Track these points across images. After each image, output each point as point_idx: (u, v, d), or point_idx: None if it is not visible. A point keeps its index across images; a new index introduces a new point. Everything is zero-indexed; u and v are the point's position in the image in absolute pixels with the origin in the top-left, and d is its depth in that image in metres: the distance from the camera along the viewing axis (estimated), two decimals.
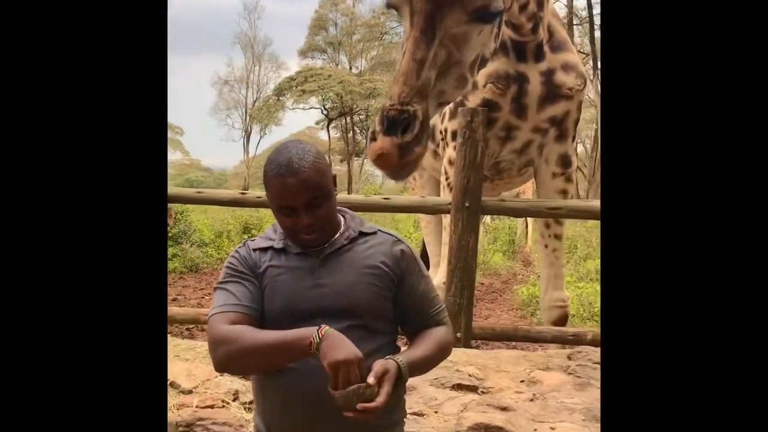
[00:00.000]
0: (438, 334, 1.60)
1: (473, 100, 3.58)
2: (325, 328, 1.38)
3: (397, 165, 1.49)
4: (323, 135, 40.03)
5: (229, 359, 1.45)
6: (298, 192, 1.47)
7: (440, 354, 1.59)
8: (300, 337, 1.39)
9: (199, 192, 4.02)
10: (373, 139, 1.52)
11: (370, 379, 1.34)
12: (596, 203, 3.70)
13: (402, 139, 1.53)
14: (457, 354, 3.05)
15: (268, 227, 1.65)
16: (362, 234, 1.60)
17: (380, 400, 1.33)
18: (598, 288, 7.65)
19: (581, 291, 7.61)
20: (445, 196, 3.91)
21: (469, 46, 2.00)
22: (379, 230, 1.64)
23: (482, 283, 9.54)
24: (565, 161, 3.82)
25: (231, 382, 2.59)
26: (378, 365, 1.38)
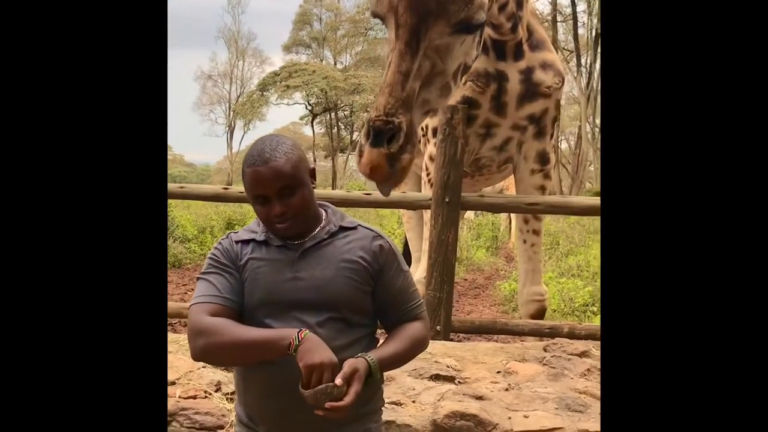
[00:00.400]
0: (413, 329, 1.64)
1: (453, 98, 3.64)
2: (305, 332, 1.43)
3: (388, 174, 1.54)
4: (307, 130, 40.01)
5: (208, 351, 1.49)
6: (269, 180, 1.51)
7: (414, 349, 1.63)
8: (280, 337, 1.44)
9: (181, 187, 4.04)
10: (360, 153, 1.56)
11: (338, 380, 1.39)
12: (574, 199, 3.78)
13: (388, 149, 1.58)
14: (436, 346, 3.11)
15: (252, 221, 1.69)
16: (343, 228, 1.64)
17: (348, 399, 1.39)
18: (579, 283, 7.75)
19: (563, 286, 7.69)
20: (426, 192, 3.97)
21: (453, 56, 2.04)
22: (360, 225, 1.67)
23: (465, 279, 9.60)
24: (543, 158, 3.88)
25: (213, 374, 2.64)
26: (347, 365, 1.43)
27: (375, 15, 2.18)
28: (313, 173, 1.62)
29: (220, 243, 1.64)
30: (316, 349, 1.40)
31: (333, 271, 1.57)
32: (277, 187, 1.51)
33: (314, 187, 1.63)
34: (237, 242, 1.63)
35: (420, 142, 4.24)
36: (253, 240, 1.62)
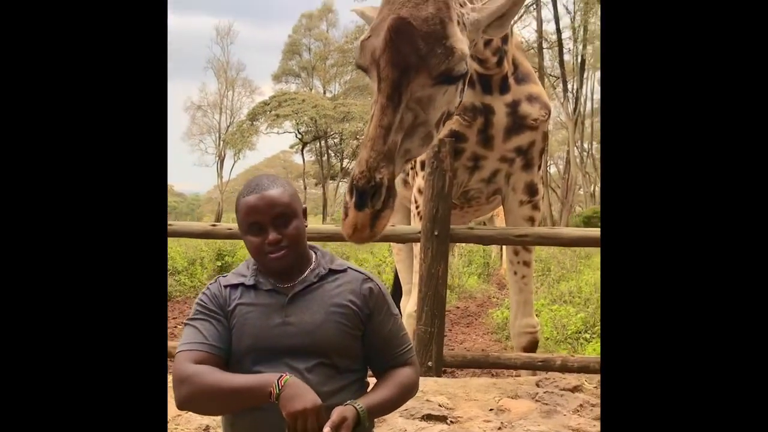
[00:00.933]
0: (403, 375, 1.62)
1: (441, 132, 3.65)
2: (286, 378, 1.41)
3: (368, 236, 1.57)
4: (298, 159, 40.09)
5: (190, 399, 1.47)
6: (265, 207, 1.52)
7: (403, 396, 1.61)
8: (261, 384, 1.42)
9: (169, 225, 4.02)
10: (346, 212, 1.59)
11: (327, 429, 1.37)
12: (563, 230, 3.78)
13: (372, 207, 1.60)
14: (428, 383, 3.08)
15: (241, 263, 1.68)
16: (332, 271, 1.63)
17: None
18: (572, 310, 7.73)
19: (555, 314, 7.66)
20: (416, 225, 3.96)
21: (435, 107, 2.06)
22: (350, 267, 1.66)
23: (457, 307, 9.56)
24: (531, 189, 3.89)
25: (202, 418, 2.59)
26: (336, 413, 1.41)
27: (359, 66, 2.20)
28: (305, 212, 1.62)
29: (208, 288, 1.63)
30: (298, 396, 1.38)
31: (323, 315, 1.55)
32: (272, 214, 1.52)
33: (306, 227, 1.62)
34: (225, 287, 1.61)
35: (409, 174, 4.25)
36: (242, 284, 1.61)
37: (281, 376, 1.42)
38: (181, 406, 1.50)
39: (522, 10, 23.96)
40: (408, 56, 2.00)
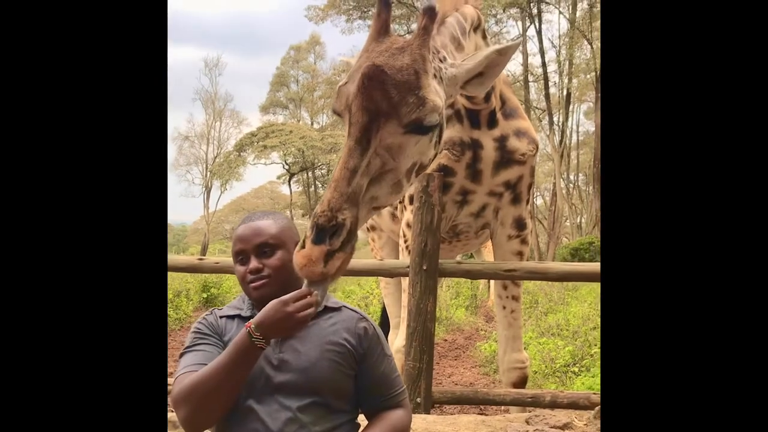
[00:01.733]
0: (395, 417, 1.60)
1: (430, 167, 3.66)
2: (251, 325, 1.42)
3: (320, 274, 1.57)
4: (285, 189, 40.19)
5: (191, 407, 1.44)
6: (250, 236, 1.56)
7: None
8: (238, 340, 1.42)
9: None
10: (302, 245, 1.59)
11: None
12: (552, 265, 3.78)
13: (330, 244, 1.61)
14: (417, 421, 3.03)
15: (226, 294, 1.69)
16: (327, 309, 1.63)
17: None
18: (560, 343, 7.70)
19: (543, 347, 7.63)
20: (404, 259, 3.94)
21: (405, 155, 2.07)
22: (344, 306, 1.66)
23: (445, 340, 9.51)
24: (519, 224, 3.89)
25: None
26: None
27: (335, 112, 2.22)
28: (297, 244, 1.61)
29: (204, 318, 1.64)
30: (267, 315, 1.41)
31: (318, 353, 1.55)
32: (256, 242, 1.56)
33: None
34: (221, 317, 1.61)
35: (397, 209, 4.24)
36: (238, 316, 1.61)
37: (246, 325, 1.43)
38: (186, 422, 1.47)
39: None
40: (379, 103, 2.02)
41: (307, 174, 36.13)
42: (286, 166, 35.40)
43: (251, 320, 1.42)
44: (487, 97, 3.44)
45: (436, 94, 2.12)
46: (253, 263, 1.55)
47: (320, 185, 37.07)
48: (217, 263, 3.95)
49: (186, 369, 1.50)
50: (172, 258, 4.22)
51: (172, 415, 2.29)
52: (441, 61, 2.33)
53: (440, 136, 2.25)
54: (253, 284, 1.56)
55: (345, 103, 2.09)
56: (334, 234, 1.69)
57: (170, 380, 1.64)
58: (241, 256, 1.57)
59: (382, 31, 2.19)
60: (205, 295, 12.02)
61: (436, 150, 2.25)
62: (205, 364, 1.49)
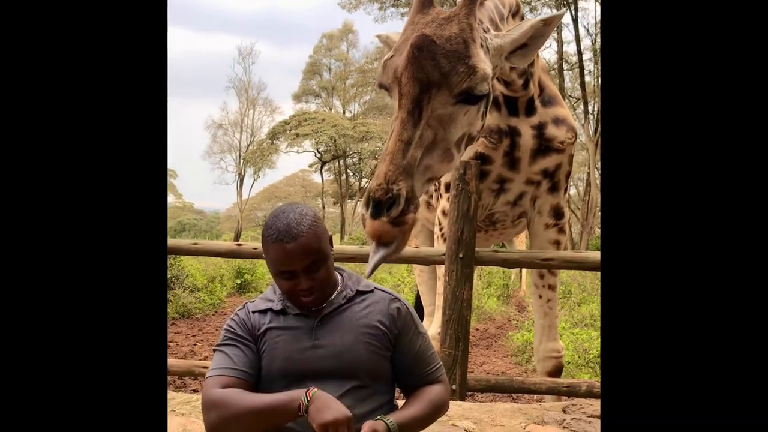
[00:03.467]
0: (432, 393, 1.61)
1: (466, 154, 3.64)
2: (313, 391, 1.41)
3: (394, 234, 1.58)
4: (317, 177, 40.35)
5: (221, 423, 1.47)
6: (297, 257, 1.51)
7: (433, 413, 1.60)
8: (290, 399, 1.42)
9: (195, 243, 4.03)
10: (364, 224, 1.61)
11: None
12: (589, 254, 3.74)
13: (389, 215, 1.61)
14: (453, 407, 3.04)
15: (259, 280, 1.70)
16: (359, 293, 1.63)
17: None
18: (593, 333, 7.65)
19: (576, 337, 7.59)
20: (439, 247, 3.94)
21: (455, 126, 2.07)
22: (376, 288, 1.66)
23: (477, 329, 9.51)
24: (557, 212, 3.86)
25: None
26: (366, 427, 1.42)
27: (381, 86, 2.22)
28: (331, 240, 1.62)
29: (236, 314, 1.64)
30: (327, 407, 1.38)
31: (353, 337, 1.56)
32: (305, 263, 1.52)
33: (332, 260, 1.63)
34: (254, 312, 1.62)
35: (432, 197, 4.23)
36: (270, 309, 1.61)
37: (308, 389, 1.42)
38: (212, 430, 1.50)
39: None
40: (430, 73, 2.01)
41: (339, 162, 36.21)
42: (318, 155, 35.52)
43: (312, 396, 1.41)
44: (526, 84, 3.41)
45: (484, 62, 2.11)
46: (305, 283, 1.53)
47: (351, 173, 37.13)
48: (255, 249, 3.99)
49: (215, 372, 1.53)
50: (212, 243, 4.28)
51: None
52: (485, 31, 2.32)
53: (487, 107, 2.24)
54: (305, 299, 1.56)
55: (393, 75, 2.09)
56: (391, 206, 1.70)
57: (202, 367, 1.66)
58: (286, 274, 1.54)
59: (426, 2, 2.18)
60: (238, 281, 12.16)
61: (483, 121, 2.24)
62: (232, 368, 1.53)
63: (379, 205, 1.72)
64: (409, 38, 2.09)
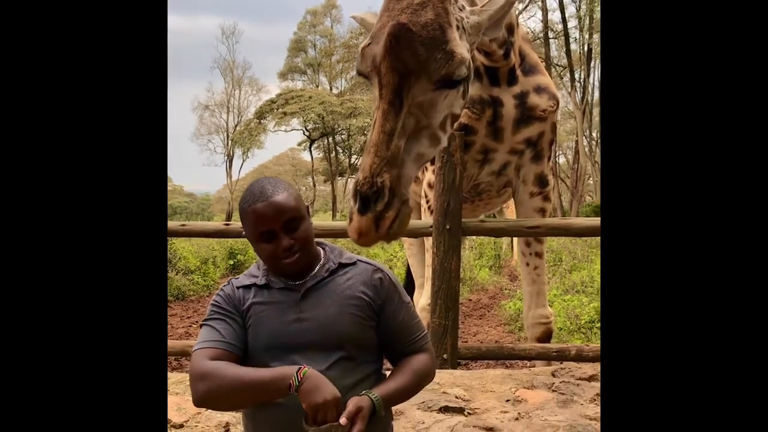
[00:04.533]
0: (417, 362, 1.64)
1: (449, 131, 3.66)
2: (305, 370, 1.43)
3: (375, 238, 1.61)
4: (306, 156, 40.16)
5: (209, 395, 1.48)
6: (275, 214, 1.53)
7: (418, 383, 1.63)
8: (280, 377, 1.43)
9: (183, 225, 4.04)
10: (350, 219, 1.63)
11: (342, 420, 1.39)
12: (574, 220, 3.78)
13: (375, 210, 1.64)
14: (443, 375, 3.10)
15: (253, 262, 1.71)
16: (342, 265, 1.65)
17: None
18: (584, 300, 7.73)
19: (567, 304, 7.68)
20: (426, 219, 3.97)
21: (436, 111, 2.09)
22: (359, 260, 1.68)
23: (470, 300, 9.58)
24: (542, 181, 3.90)
25: (221, 415, 2.62)
26: (351, 404, 1.43)
27: (360, 73, 2.22)
28: (308, 210, 1.64)
29: (221, 290, 1.65)
30: (318, 388, 1.40)
31: (337, 308, 1.57)
32: (283, 220, 1.53)
33: (311, 224, 1.64)
34: (238, 288, 1.64)
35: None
36: (254, 285, 1.63)
37: (300, 368, 1.43)
38: (200, 402, 1.52)
39: (527, 1, 23.89)
40: (408, 62, 2.02)
41: (328, 140, 36.06)
42: (307, 132, 35.36)
43: (303, 376, 1.42)
44: (506, 54, 3.42)
45: (461, 46, 2.12)
46: (285, 241, 1.54)
47: (341, 150, 37.01)
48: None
49: (201, 345, 1.54)
50: (201, 224, 4.29)
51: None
52: (460, 9, 2.33)
53: (467, 86, 2.26)
54: (288, 260, 1.56)
55: (371, 64, 2.10)
56: (376, 200, 1.72)
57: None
58: (267, 235, 1.55)
59: None
60: (231, 262, 12.20)
61: (464, 99, 2.26)
62: (220, 341, 1.53)
63: (366, 200, 1.74)
64: (385, 26, 2.09)
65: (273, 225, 1.54)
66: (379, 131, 1.93)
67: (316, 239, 1.68)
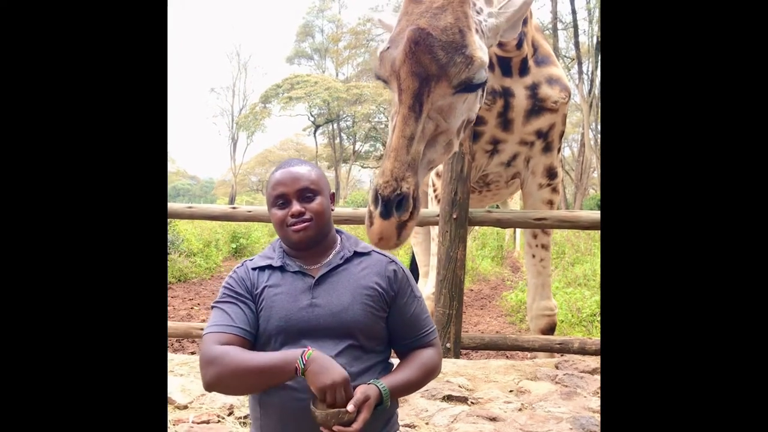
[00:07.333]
0: (425, 356, 1.64)
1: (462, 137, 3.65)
2: (309, 352, 1.43)
3: (395, 245, 1.61)
4: (310, 141, 40.11)
5: (218, 379, 1.48)
6: (291, 181, 1.57)
7: (425, 377, 1.63)
8: (286, 361, 1.44)
9: (189, 207, 4.04)
10: (371, 222, 1.63)
11: (350, 407, 1.39)
12: (582, 213, 3.77)
13: (399, 218, 1.64)
14: (447, 365, 3.11)
15: (255, 244, 1.71)
16: (357, 254, 1.65)
17: (356, 426, 1.39)
18: (586, 293, 7.73)
19: (569, 296, 7.67)
20: (433, 208, 3.97)
21: (455, 115, 2.08)
22: (374, 251, 1.68)
23: (471, 290, 9.59)
24: (551, 172, 3.88)
25: (226, 398, 2.63)
26: (359, 392, 1.44)
27: (378, 78, 2.21)
28: (332, 197, 1.64)
29: (235, 271, 1.65)
30: (325, 369, 1.41)
31: (350, 297, 1.58)
32: (298, 186, 1.57)
33: (332, 210, 1.65)
34: (253, 269, 1.64)
35: None
36: (269, 266, 1.63)
37: (304, 350, 1.43)
38: (209, 386, 1.53)
39: None
40: (428, 66, 2.01)
41: (333, 126, 36.01)
42: (312, 118, 35.30)
43: (307, 359, 1.42)
44: (519, 45, 3.39)
45: (481, 50, 2.11)
46: (296, 207, 1.56)
47: (345, 137, 36.95)
48: (250, 212, 4.01)
49: (212, 329, 1.54)
50: (207, 207, 4.28)
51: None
52: (478, 12, 2.32)
53: (485, 89, 2.26)
54: (295, 227, 1.58)
55: (390, 69, 2.09)
56: (400, 205, 1.71)
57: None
58: (281, 201, 1.58)
59: None
60: (234, 245, 12.20)
61: (480, 103, 2.26)
62: (230, 325, 1.54)
63: (388, 205, 1.74)
64: (405, 30, 2.08)
65: (287, 190, 1.57)
66: (400, 136, 1.92)
67: (335, 227, 1.69)
